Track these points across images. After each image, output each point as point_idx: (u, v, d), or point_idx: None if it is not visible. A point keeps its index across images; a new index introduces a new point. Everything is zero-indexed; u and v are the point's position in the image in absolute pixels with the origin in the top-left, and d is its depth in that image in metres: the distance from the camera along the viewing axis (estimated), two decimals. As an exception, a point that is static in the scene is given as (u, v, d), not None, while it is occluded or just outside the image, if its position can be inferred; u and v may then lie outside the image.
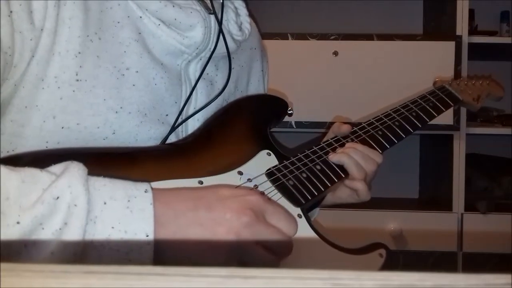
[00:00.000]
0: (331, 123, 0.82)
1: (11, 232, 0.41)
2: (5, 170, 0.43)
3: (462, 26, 1.62)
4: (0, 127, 0.56)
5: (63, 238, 0.43)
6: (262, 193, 0.61)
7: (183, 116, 0.67)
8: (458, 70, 1.57)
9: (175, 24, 0.64)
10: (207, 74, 0.70)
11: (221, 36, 0.68)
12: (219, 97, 0.72)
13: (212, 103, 0.71)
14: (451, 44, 1.58)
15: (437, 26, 1.88)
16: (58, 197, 0.43)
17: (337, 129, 0.78)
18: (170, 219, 0.48)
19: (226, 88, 0.73)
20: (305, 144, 0.81)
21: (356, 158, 0.72)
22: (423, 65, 1.57)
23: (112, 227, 0.45)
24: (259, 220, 0.50)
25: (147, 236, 0.46)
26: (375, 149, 0.76)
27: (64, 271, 0.22)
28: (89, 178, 0.46)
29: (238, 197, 0.51)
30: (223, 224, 0.49)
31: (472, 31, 1.79)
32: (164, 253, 0.48)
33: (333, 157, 0.72)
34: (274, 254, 0.51)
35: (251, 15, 0.78)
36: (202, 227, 0.49)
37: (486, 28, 1.87)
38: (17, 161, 0.49)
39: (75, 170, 0.46)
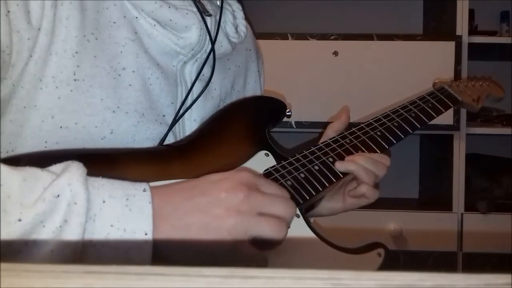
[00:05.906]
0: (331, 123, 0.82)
1: (13, 230, 0.41)
2: (6, 169, 0.44)
3: (462, 26, 1.62)
4: None
5: (63, 236, 0.43)
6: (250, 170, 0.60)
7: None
8: (458, 70, 1.57)
9: (170, 25, 0.64)
10: (203, 75, 0.70)
11: (218, 37, 0.69)
12: (216, 98, 0.72)
13: (209, 104, 0.71)
14: (451, 44, 1.58)
15: (437, 26, 1.88)
16: (58, 195, 0.44)
17: (332, 127, 0.79)
18: (169, 212, 0.48)
19: (223, 88, 0.74)
20: (304, 144, 0.81)
21: (364, 164, 0.72)
22: (423, 65, 1.57)
23: (111, 225, 0.45)
24: (254, 190, 0.51)
25: (146, 234, 0.46)
26: (375, 150, 0.76)
27: (64, 271, 0.22)
28: (88, 178, 0.47)
29: (228, 178, 0.51)
30: (220, 205, 0.49)
31: (472, 31, 1.79)
32: (166, 247, 0.48)
33: (340, 166, 0.71)
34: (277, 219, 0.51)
35: (246, 17, 0.78)
36: (201, 212, 0.49)
37: (486, 28, 1.87)
38: (16, 162, 0.49)
39: (75, 170, 0.46)
